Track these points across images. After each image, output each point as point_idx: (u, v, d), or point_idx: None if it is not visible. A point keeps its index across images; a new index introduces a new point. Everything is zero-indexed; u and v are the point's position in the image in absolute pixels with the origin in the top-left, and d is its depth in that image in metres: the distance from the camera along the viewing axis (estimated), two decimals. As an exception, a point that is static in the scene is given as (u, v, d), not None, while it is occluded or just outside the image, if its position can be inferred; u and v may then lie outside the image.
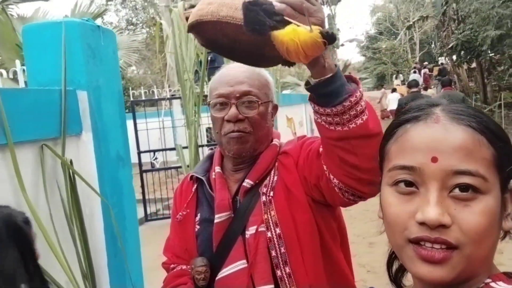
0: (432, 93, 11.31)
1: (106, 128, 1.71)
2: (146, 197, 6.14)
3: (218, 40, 0.83)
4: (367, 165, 0.91)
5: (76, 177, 1.51)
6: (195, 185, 1.27)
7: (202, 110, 2.51)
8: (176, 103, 7.62)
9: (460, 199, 0.51)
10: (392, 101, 12.86)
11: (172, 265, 1.29)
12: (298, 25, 0.76)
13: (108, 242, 1.64)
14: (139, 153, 6.04)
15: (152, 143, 6.26)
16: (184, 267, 1.24)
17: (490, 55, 11.43)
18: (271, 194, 1.12)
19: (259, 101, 1.15)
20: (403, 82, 19.60)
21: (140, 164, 6.05)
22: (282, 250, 1.08)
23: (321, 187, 1.05)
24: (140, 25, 19.67)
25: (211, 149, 4.95)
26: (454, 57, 15.00)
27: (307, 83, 0.91)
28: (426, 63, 22.54)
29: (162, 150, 6.31)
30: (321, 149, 1.03)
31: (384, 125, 0.72)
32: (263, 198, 1.12)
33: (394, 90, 15.33)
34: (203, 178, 1.24)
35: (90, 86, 1.64)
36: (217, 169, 1.22)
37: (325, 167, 1.01)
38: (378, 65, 32.10)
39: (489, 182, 0.52)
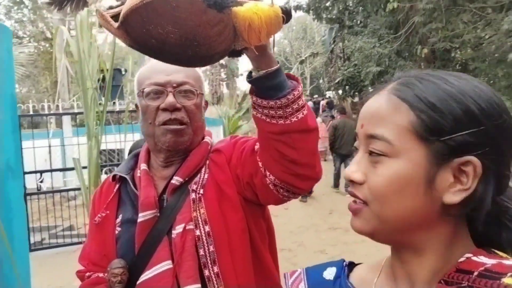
0: (319, 121, 12.29)
1: (-5, 134, 1.52)
2: (30, 225, 5.46)
3: (147, 41, 0.78)
4: (306, 160, 0.94)
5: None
6: (118, 185, 1.18)
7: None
8: (67, 122, 7.05)
9: (373, 161, 0.56)
10: None
11: (87, 273, 1.16)
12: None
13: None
14: (24, 173, 5.38)
15: (39, 165, 5.65)
16: (101, 274, 1.13)
17: (370, 90, 12.83)
18: (201, 191, 1.09)
19: (197, 91, 1.12)
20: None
21: (24, 186, 5.37)
22: (211, 248, 1.05)
23: (255, 185, 1.05)
24: (27, 38, 18.00)
25: (110, 170, 4.64)
26: (340, 91, 16.54)
27: (249, 76, 0.91)
28: (316, 96, 24.46)
29: (51, 171, 5.69)
30: (257, 146, 1.04)
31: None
32: (193, 195, 1.08)
33: None
34: (127, 177, 1.16)
35: (-21, 85, 1.45)
36: (143, 166, 1.15)
37: (260, 163, 1.01)
38: (274, 95, 33.82)
39: (396, 147, 0.53)
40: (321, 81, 29.43)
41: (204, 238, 1.05)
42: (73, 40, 2.42)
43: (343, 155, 8.04)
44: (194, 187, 1.09)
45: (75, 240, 4.95)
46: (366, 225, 0.57)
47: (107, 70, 3.37)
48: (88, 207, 2.21)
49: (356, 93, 15.05)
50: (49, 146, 5.18)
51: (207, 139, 1.21)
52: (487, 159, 0.52)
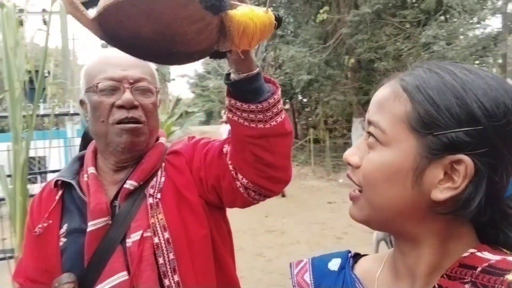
0: None
1: None
2: None
3: (119, 34, 0.70)
4: (281, 163, 0.93)
5: None
6: (60, 192, 1.06)
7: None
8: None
9: (368, 145, 0.56)
10: (223, 133, 14.20)
11: None
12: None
13: None
14: None
15: None
16: None
17: (300, 98, 13.30)
18: (158, 196, 1.00)
19: (155, 88, 1.05)
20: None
21: None
22: (171, 256, 0.97)
23: (221, 188, 1.00)
24: None
25: (34, 180, 4.24)
26: (272, 98, 16.91)
27: (227, 78, 0.88)
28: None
29: None
30: (225, 149, 0.99)
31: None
32: (150, 200, 1.00)
33: (225, 122, 16.55)
34: (72, 182, 1.04)
35: None
36: (91, 169, 1.05)
37: (231, 166, 0.96)
38: (207, 102, 33.68)
39: (388, 136, 0.53)
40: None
41: (163, 245, 0.97)
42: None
43: None
44: (151, 191, 1.01)
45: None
46: (360, 212, 0.57)
47: (31, 71, 3.12)
48: (14, 220, 1.99)
49: (287, 100, 15.50)
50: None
51: (161, 139, 1.13)
52: (481, 161, 0.49)
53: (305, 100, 15.89)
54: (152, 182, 1.03)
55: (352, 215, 0.59)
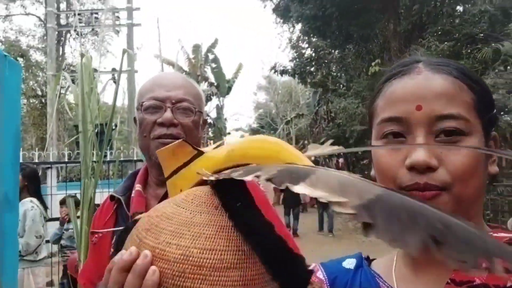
0: None
1: (-2, 164, 1.53)
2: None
3: None
4: None
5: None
6: (115, 206, 1.17)
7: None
8: (53, 174, 6.95)
9: (446, 142, 0.54)
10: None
11: None
12: None
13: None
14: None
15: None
16: None
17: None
18: None
19: (195, 108, 1.12)
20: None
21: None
22: None
23: None
24: (17, 95, 18.16)
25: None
26: (326, 151, 16.83)
27: None
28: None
29: (49, 220, 5.48)
30: None
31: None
32: None
33: None
34: (122, 198, 1.15)
35: (-13, 115, 1.49)
36: (138, 187, 1.14)
37: None
38: (260, 156, 34.11)
39: (471, 124, 0.54)
40: (305, 141, 30.03)
41: None
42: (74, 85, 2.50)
43: (324, 203, 9.09)
44: None
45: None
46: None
47: (99, 124, 3.43)
48: (79, 249, 2.16)
49: (341, 154, 15.35)
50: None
51: None
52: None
53: (359, 152, 15.65)
54: None
55: None
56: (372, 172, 0.63)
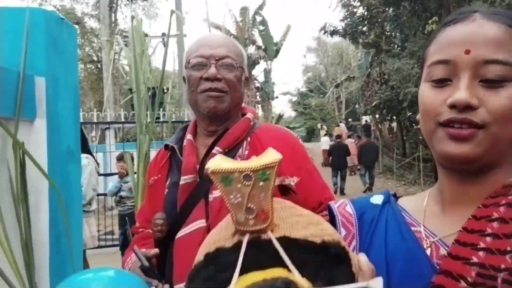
0: (350, 142, 13.41)
1: (60, 119, 1.67)
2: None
3: None
4: None
5: (26, 161, 1.44)
6: (169, 153, 1.30)
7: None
8: (111, 135, 7.38)
9: (489, 86, 0.56)
10: (324, 143, 15.94)
11: (141, 229, 1.29)
12: None
13: (52, 236, 1.54)
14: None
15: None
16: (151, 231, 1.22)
17: (409, 114, 12.68)
18: None
19: (237, 64, 1.22)
20: (327, 133, 21.11)
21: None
22: None
23: None
24: (75, 60, 19.14)
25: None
26: (377, 115, 16.36)
27: None
28: (350, 119, 24.32)
29: (104, 175, 5.89)
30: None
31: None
32: None
33: (325, 135, 18.54)
34: (175, 146, 1.27)
35: (48, 74, 1.61)
36: (189, 136, 1.26)
37: None
38: (308, 120, 33.91)
39: None
40: (356, 106, 29.28)
41: None
42: (126, 48, 2.60)
43: (367, 166, 11.43)
44: (238, 160, 1.15)
45: (115, 242, 5.16)
46: (477, 148, 0.57)
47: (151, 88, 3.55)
48: (136, 199, 2.33)
49: (394, 117, 14.85)
50: (95, 153, 5.44)
51: (249, 115, 1.28)
52: None
53: (414, 115, 15.06)
54: (239, 152, 1.20)
55: (464, 153, 0.57)
56: (418, 116, 0.67)
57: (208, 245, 0.53)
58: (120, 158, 4.79)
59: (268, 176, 0.49)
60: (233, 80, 1.20)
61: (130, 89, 3.20)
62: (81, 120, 5.90)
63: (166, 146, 1.31)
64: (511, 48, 0.56)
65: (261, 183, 0.49)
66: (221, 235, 0.53)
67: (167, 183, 1.25)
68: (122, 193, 4.81)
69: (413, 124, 14.85)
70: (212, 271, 0.49)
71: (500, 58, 0.55)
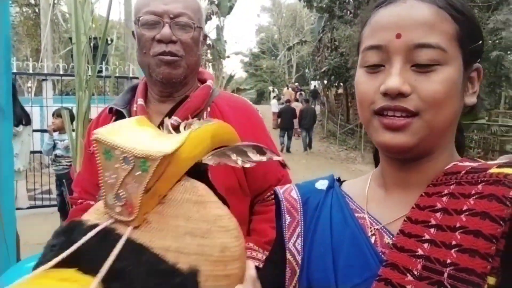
0: (296, 105, 13.79)
1: (-13, 70, 1.50)
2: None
3: None
4: None
5: None
6: (114, 118, 1.16)
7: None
8: (49, 87, 6.88)
9: (421, 71, 0.55)
10: (273, 105, 16.08)
11: (80, 200, 1.18)
12: None
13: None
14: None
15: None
16: (92, 202, 1.13)
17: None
18: None
19: (194, 24, 1.09)
20: (276, 95, 21.29)
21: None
22: None
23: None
24: (9, 3, 17.29)
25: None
26: (325, 81, 16.63)
27: None
28: (297, 84, 24.58)
29: (39, 131, 5.49)
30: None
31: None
32: None
33: (274, 97, 18.73)
34: (123, 111, 1.13)
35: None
36: (140, 101, 1.13)
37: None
38: (259, 82, 33.79)
39: (448, 54, 0.55)
40: (307, 70, 29.53)
41: None
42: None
43: (306, 128, 12.36)
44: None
45: (53, 202, 4.93)
46: (413, 137, 0.56)
47: (94, 38, 3.27)
48: (74, 159, 2.20)
49: (341, 83, 15.18)
50: (31, 107, 5.06)
51: (209, 82, 1.18)
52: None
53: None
54: None
55: (400, 143, 0.56)
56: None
57: (87, 213, 0.52)
58: (58, 115, 4.45)
59: (147, 167, 0.45)
60: (190, 42, 1.08)
61: (71, 38, 2.95)
62: (15, 70, 5.39)
63: (111, 110, 1.17)
64: (442, 30, 0.55)
65: (138, 172, 0.45)
66: (99, 208, 0.51)
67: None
68: (57, 151, 4.48)
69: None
70: (58, 243, 0.47)
71: (431, 41, 0.54)
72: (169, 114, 1.10)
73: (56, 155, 4.50)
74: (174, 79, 1.09)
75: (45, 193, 5.66)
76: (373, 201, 0.66)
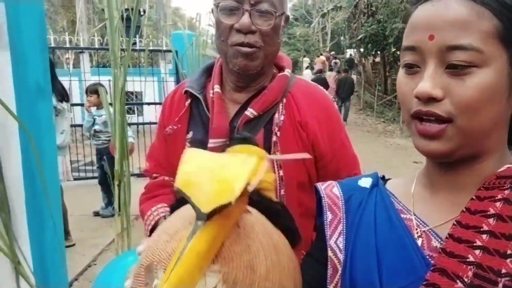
0: (329, 75, 13.99)
1: (25, 50, 1.48)
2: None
3: None
4: None
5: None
6: (189, 100, 1.15)
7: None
8: (86, 60, 6.99)
9: (455, 74, 0.52)
10: (306, 76, 15.68)
11: (154, 174, 1.21)
12: None
13: (26, 180, 1.44)
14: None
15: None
16: (166, 178, 1.17)
17: (393, 50, 12.50)
18: (278, 133, 1.07)
19: (276, 12, 1.03)
20: (309, 65, 20.93)
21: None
22: (282, 192, 1.05)
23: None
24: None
25: (132, 112, 4.63)
26: (362, 49, 16.07)
27: None
28: (332, 52, 23.92)
29: (76, 105, 5.63)
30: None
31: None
32: (274, 137, 1.07)
33: (306, 67, 18.97)
34: (200, 96, 1.12)
35: (8, -2, 1.40)
36: (216, 88, 1.11)
37: None
38: (292, 50, 33.13)
39: (485, 54, 0.52)
40: (342, 38, 28.58)
41: (277, 181, 1.04)
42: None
43: (342, 98, 12.49)
44: (276, 129, 1.07)
45: (96, 174, 5.10)
46: (448, 144, 0.54)
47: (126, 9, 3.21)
48: (114, 138, 2.21)
49: (378, 52, 14.61)
50: (70, 81, 5.16)
51: (287, 71, 1.14)
52: None
53: (398, 52, 14.88)
54: (275, 119, 1.08)
55: (435, 151, 0.55)
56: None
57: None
58: (92, 92, 4.48)
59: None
60: (270, 32, 1.03)
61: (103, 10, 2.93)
62: (53, 44, 5.48)
63: (186, 91, 1.16)
64: (478, 29, 0.51)
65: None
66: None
67: (188, 136, 1.13)
68: (96, 127, 4.59)
69: (397, 61, 14.72)
70: None
71: (463, 43, 0.51)
72: (245, 105, 1.09)
73: (95, 131, 4.61)
74: (250, 71, 1.06)
75: (88, 165, 5.88)
76: (419, 202, 0.64)
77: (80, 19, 7.34)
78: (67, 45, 5.68)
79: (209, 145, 1.06)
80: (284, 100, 1.10)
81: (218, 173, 0.49)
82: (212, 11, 1.10)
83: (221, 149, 1.05)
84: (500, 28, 0.52)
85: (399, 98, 0.60)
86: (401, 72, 0.59)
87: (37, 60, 1.57)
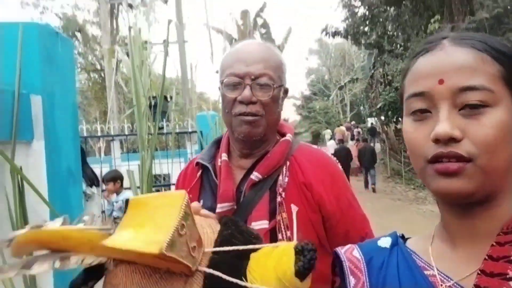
0: (351, 145, 14.27)
1: (58, 139, 1.59)
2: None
3: None
4: None
5: (25, 186, 1.36)
6: (200, 171, 1.22)
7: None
8: (116, 147, 7.30)
9: (469, 114, 0.54)
10: (330, 147, 15.88)
11: None
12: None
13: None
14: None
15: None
16: None
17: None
18: (283, 195, 1.11)
19: (274, 84, 1.13)
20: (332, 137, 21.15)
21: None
22: None
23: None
24: (78, 70, 19.13)
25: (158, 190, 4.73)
26: (382, 117, 16.22)
27: None
28: (353, 122, 24.22)
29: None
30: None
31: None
32: (279, 198, 1.11)
33: (330, 139, 18.78)
34: (209, 166, 1.19)
35: (44, 92, 1.54)
36: (224, 156, 1.19)
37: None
38: (313, 123, 33.72)
39: (496, 94, 0.54)
40: (361, 107, 29.08)
41: (285, 242, 1.04)
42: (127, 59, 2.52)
43: (365, 167, 12.64)
44: (281, 190, 1.11)
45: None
46: (469, 182, 0.54)
47: (153, 97, 3.43)
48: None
49: (399, 118, 14.70)
50: (100, 168, 5.36)
51: (288, 136, 1.20)
52: None
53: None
54: (279, 181, 1.12)
55: (457, 189, 0.54)
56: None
57: None
58: (109, 180, 4.62)
59: None
60: (269, 102, 1.12)
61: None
62: (85, 134, 5.80)
63: (197, 163, 1.23)
64: (485, 72, 0.55)
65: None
66: None
67: (200, 204, 1.16)
68: (114, 214, 4.67)
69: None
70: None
71: (475, 83, 0.54)
72: (251, 169, 1.14)
73: (114, 217, 4.67)
74: (254, 137, 1.14)
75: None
76: (440, 256, 0.63)
77: (111, 109, 7.84)
78: (99, 134, 6.01)
79: (217, 210, 1.10)
80: (288, 163, 1.15)
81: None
82: (219, 88, 1.20)
83: (229, 213, 1.07)
84: (502, 71, 0.56)
85: (409, 147, 0.61)
86: (408, 120, 0.60)
87: (69, 146, 1.67)
